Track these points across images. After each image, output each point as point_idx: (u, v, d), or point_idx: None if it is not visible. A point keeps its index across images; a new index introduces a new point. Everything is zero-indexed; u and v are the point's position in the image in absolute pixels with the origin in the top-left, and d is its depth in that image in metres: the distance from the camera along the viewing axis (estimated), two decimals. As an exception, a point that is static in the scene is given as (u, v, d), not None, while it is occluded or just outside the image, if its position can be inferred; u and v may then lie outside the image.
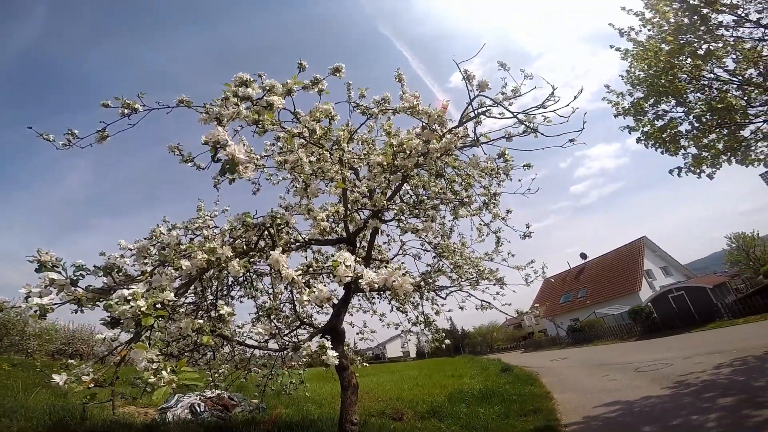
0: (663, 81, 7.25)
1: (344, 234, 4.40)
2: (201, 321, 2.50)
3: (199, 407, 7.70)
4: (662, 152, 8.09)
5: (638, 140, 8.26)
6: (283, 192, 5.55)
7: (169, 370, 1.61)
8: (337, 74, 2.97)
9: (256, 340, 4.61)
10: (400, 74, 3.79)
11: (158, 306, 1.84)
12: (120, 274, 2.51)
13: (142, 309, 1.74)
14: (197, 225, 4.19)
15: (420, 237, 5.39)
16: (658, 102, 7.83)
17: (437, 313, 6.18)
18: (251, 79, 2.40)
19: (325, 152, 3.50)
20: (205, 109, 2.38)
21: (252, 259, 3.03)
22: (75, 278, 2.20)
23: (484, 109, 3.51)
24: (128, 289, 1.81)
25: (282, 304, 5.71)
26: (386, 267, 2.19)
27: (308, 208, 3.73)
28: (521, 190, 4.60)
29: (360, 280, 2.09)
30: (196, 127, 2.49)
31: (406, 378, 15.18)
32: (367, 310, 6.81)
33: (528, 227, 5.17)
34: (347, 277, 2.05)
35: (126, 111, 2.67)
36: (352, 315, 6.44)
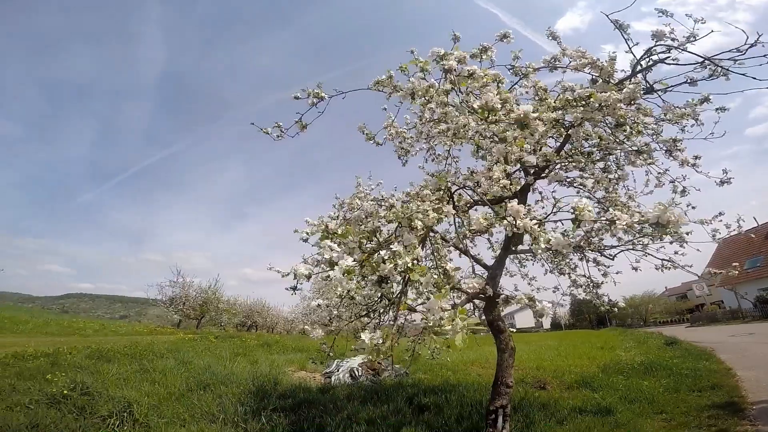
0: None
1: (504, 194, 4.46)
2: (435, 276, 2.62)
3: (357, 371, 8.85)
4: None
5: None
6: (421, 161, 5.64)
7: (459, 318, 1.89)
8: (505, 40, 3.30)
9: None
10: (507, 34, 3.67)
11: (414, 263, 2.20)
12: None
13: (408, 265, 2.10)
14: (363, 195, 4.82)
15: (585, 190, 5.02)
16: None
17: (605, 275, 5.78)
18: (449, 53, 2.74)
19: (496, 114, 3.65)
20: (396, 86, 2.81)
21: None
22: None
23: (664, 56, 3.37)
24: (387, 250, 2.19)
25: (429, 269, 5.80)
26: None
27: (488, 167, 3.85)
28: (700, 135, 4.14)
29: (540, 237, 2.18)
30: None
31: (544, 348, 14.59)
32: (514, 273, 6.57)
33: (725, 172, 4.50)
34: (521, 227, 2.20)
35: (315, 100, 3.29)
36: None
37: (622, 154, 4.42)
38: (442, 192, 3.42)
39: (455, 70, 2.63)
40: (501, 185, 3.40)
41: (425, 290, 2.80)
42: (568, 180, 4.80)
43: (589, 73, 3.41)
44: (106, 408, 4.94)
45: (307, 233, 3.99)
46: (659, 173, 4.73)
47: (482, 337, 6.25)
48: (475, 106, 2.63)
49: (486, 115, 2.55)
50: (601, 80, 3.23)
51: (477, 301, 4.82)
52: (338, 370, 9.65)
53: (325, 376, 9.53)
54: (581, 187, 4.80)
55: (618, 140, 4.19)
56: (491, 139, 3.79)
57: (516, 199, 4.10)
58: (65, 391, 5.17)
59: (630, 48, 3.37)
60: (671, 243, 5.00)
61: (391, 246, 2.25)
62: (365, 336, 2.07)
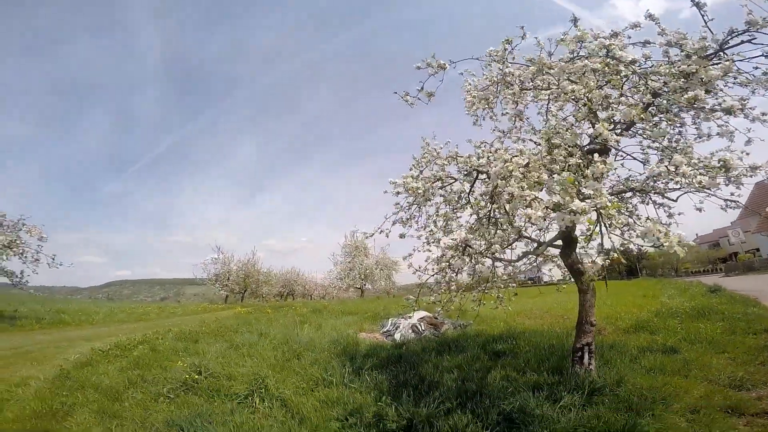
0: None
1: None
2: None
3: (420, 327, 9.46)
4: None
5: None
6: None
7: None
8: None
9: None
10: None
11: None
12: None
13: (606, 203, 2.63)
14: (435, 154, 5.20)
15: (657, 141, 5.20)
16: None
17: (670, 216, 5.74)
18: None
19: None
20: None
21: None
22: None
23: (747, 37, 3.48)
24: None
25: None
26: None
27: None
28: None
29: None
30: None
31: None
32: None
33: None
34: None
35: (436, 70, 3.72)
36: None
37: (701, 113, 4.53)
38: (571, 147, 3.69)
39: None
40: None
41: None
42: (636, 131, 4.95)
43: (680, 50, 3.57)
44: (241, 387, 5.39)
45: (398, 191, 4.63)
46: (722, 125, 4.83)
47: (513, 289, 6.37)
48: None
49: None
50: (696, 56, 3.36)
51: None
52: (396, 328, 10.25)
53: (386, 335, 10.16)
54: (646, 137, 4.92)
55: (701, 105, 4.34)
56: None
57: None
58: (195, 376, 5.60)
59: (706, 23, 3.54)
60: (727, 185, 5.15)
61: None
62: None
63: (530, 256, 5.54)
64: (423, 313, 10.38)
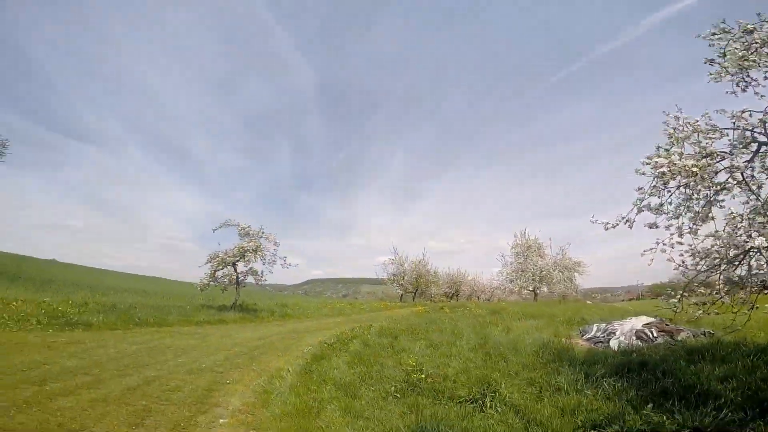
0: None
1: None
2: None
3: (650, 333, 7.83)
4: None
5: None
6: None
7: None
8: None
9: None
10: None
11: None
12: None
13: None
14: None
15: None
16: None
17: None
18: None
19: None
20: None
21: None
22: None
23: None
24: None
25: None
26: None
27: None
28: None
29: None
30: None
31: None
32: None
33: None
34: None
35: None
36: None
37: None
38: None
39: None
40: None
41: None
42: None
43: None
44: (462, 389, 5.24)
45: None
46: None
47: None
48: None
49: None
50: None
51: None
52: (608, 334, 8.79)
53: (592, 341, 8.81)
54: None
55: None
56: None
57: None
58: (422, 376, 5.67)
59: None
60: None
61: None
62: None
63: None
64: (646, 319, 8.92)
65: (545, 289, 29.51)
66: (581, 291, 31.44)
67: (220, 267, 14.94)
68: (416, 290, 31.38)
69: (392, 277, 30.10)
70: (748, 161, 4.01)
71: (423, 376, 5.78)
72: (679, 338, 7.62)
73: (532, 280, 28.15)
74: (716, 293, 4.44)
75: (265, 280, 15.78)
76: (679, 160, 3.68)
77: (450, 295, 37.97)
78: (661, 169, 3.71)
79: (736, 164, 3.95)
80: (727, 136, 3.99)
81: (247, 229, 15.11)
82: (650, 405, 4.14)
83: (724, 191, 4.29)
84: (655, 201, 4.29)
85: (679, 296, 4.40)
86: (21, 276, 20.02)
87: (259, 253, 14.94)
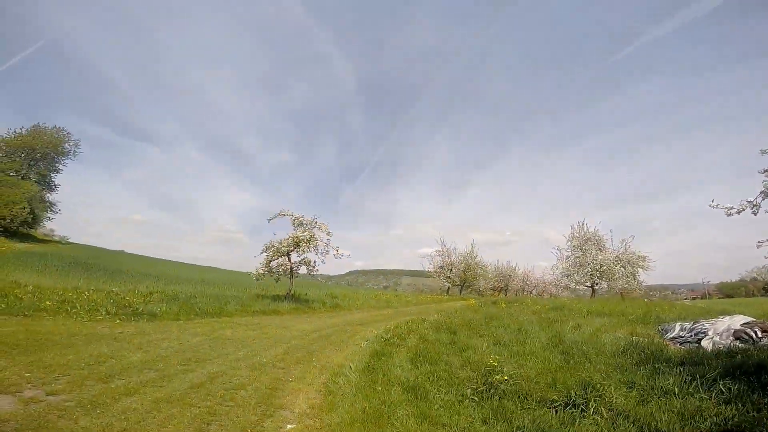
0: None
1: None
2: None
3: (753, 333, 6.64)
4: None
5: None
6: None
7: None
8: None
9: None
10: None
11: None
12: None
13: None
14: None
15: None
16: None
17: None
18: None
19: None
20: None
21: None
22: None
23: None
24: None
25: None
26: None
27: None
28: None
29: None
30: None
31: None
32: None
33: None
34: None
35: None
36: None
37: None
38: None
39: None
40: None
41: None
42: None
43: None
44: (553, 392, 4.65)
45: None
46: None
47: None
48: None
49: None
50: None
51: None
52: (696, 334, 7.64)
53: (675, 341, 7.75)
54: None
55: None
56: None
57: None
58: (505, 377, 5.08)
59: None
60: None
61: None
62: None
63: None
64: (743, 318, 7.88)
65: (604, 285, 27.40)
66: (646, 288, 28.97)
67: (275, 257, 14.96)
68: (463, 283, 30.35)
69: (439, 270, 29.26)
70: None
71: (505, 377, 5.12)
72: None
73: (590, 275, 26.19)
74: None
75: (317, 271, 15.63)
76: None
77: (498, 289, 36.52)
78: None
79: None
80: None
81: (300, 219, 14.99)
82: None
83: None
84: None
85: None
86: (94, 266, 21.49)
87: (312, 242, 14.76)
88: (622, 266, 25.88)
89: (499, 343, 7.74)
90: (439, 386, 5.35)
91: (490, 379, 5.13)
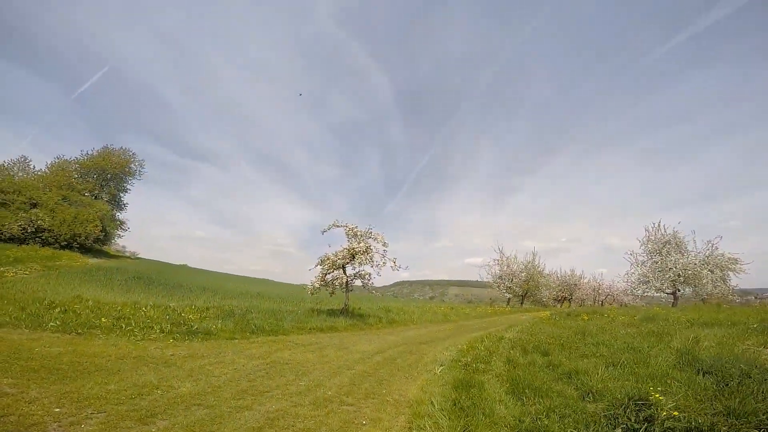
0: None
1: None
2: None
3: None
4: None
5: None
6: None
7: None
8: None
9: None
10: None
11: None
12: None
13: None
14: None
15: None
16: None
17: None
18: None
19: None
20: None
21: None
22: None
23: None
24: None
25: None
26: None
27: None
28: None
29: None
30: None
31: None
32: None
33: None
34: None
35: None
36: None
37: None
38: None
39: None
40: None
41: None
42: None
43: None
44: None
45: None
46: None
47: None
48: None
49: None
50: None
51: None
52: None
53: None
54: None
55: None
56: None
57: None
58: (662, 412, 3.55)
59: None
60: None
61: None
62: None
63: None
64: None
65: (688, 291, 24.01)
66: (736, 292, 25.21)
67: (331, 270, 14.05)
68: (525, 293, 27.81)
69: (499, 280, 27.01)
70: None
71: (663, 413, 3.66)
72: None
73: (673, 281, 22.95)
74: None
75: (373, 284, 14.51)
76: None
77: (562, 299, 33.38)
78: None
79: None
80: None
81: (354, 230, 14.01)
82: None
83: None
84: None
85: None
86: (155, 280, 21.99)
87: (368, 254, 13.68)
88: (710, 270, 22.51)
89: (613, 365, 6.16)
90: (565, 427, 3.95)
91: (643, 415, 3.67)
